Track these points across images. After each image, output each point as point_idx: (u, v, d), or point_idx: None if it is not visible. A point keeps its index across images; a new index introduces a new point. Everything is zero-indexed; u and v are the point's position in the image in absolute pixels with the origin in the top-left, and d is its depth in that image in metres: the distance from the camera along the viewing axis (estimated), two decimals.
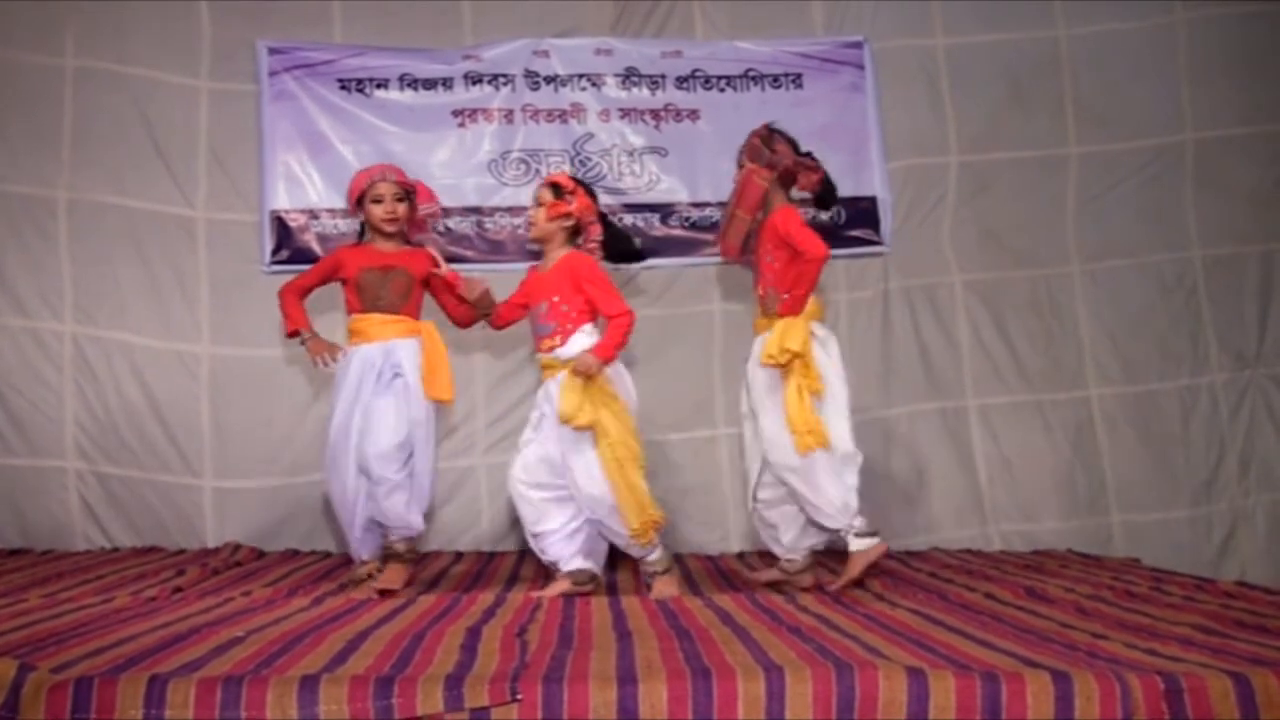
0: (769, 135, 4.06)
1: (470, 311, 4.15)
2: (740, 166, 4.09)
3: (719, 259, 5.36)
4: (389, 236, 4.10)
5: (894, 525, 5.26)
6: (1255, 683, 2.30)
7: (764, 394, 3.98)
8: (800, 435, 3.81)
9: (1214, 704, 2.27)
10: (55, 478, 5.12)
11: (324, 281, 4.16)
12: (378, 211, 4.06)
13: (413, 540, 4.05)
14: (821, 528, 3.99)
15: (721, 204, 5.39)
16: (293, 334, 4.12)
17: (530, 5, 5.48)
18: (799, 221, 3.95)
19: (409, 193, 4.12)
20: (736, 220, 4.05)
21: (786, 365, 3.85)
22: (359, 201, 4.10)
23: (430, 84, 5.38)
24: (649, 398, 5.29)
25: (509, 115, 5.40)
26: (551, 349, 3.89)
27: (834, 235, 5.44)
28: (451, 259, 5.19)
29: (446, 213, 5.27)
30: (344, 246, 4.25)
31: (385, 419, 3.92)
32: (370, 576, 3.97)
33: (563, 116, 5.43)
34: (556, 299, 3.90)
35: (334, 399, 4.03)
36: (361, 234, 4.24)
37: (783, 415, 3.87)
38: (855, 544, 3.86)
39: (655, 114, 5.46)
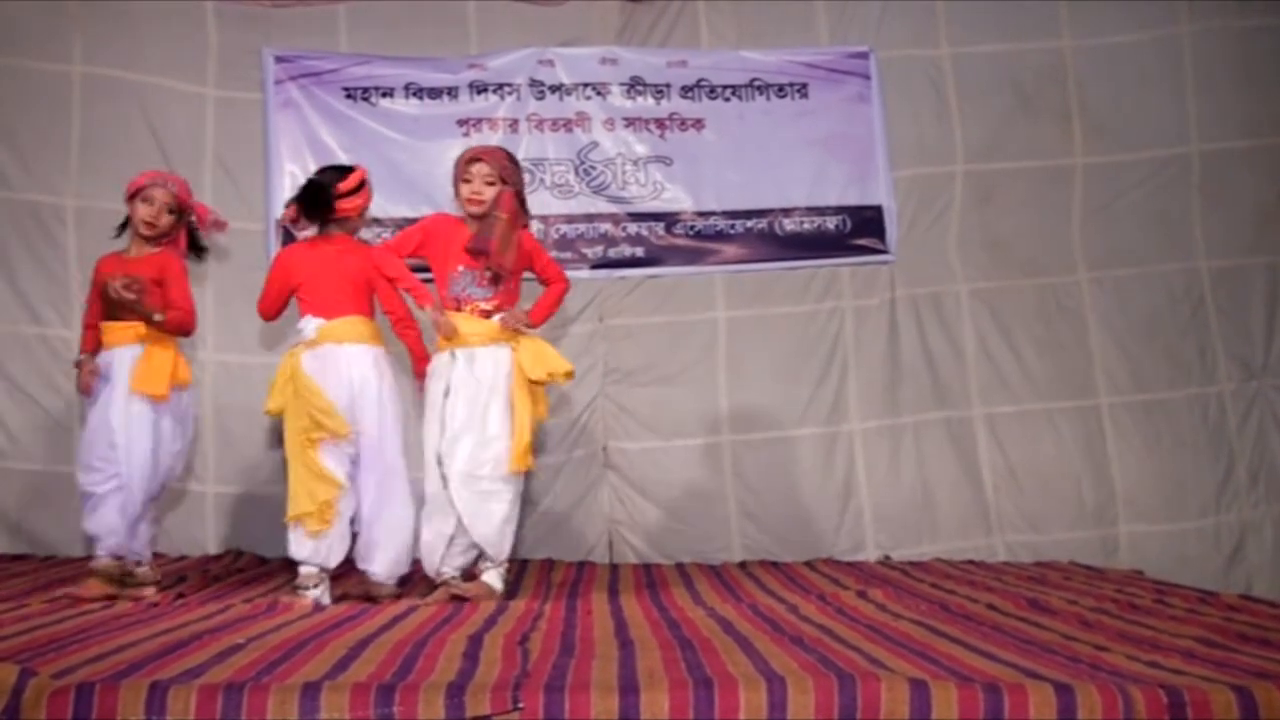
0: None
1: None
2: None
3: (724, 268, 5.40)
4: (146, 241, 4.07)
5: (898, 535, 5.27)
6: (1258, 696, 2.29)
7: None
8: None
9: (1216, 717, 2.26)
10: (61, 484, 5.11)
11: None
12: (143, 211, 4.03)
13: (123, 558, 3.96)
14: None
15: (726, 213, 5.44)
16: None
17: (535, 14, 5.50)
18: None
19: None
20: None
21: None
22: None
23: (435, 93, 5.39)
24: (653, 405, 5.32)
25: (514, 124, 5.41)
26: None
27: (840, 244, 5.46)
28: None
29: None
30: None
31: (89, 430, 3.94)
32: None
33: (567, 126, 5.44)
34: None
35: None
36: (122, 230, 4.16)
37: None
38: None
39: (660, 123, 5.47)
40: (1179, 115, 5.59)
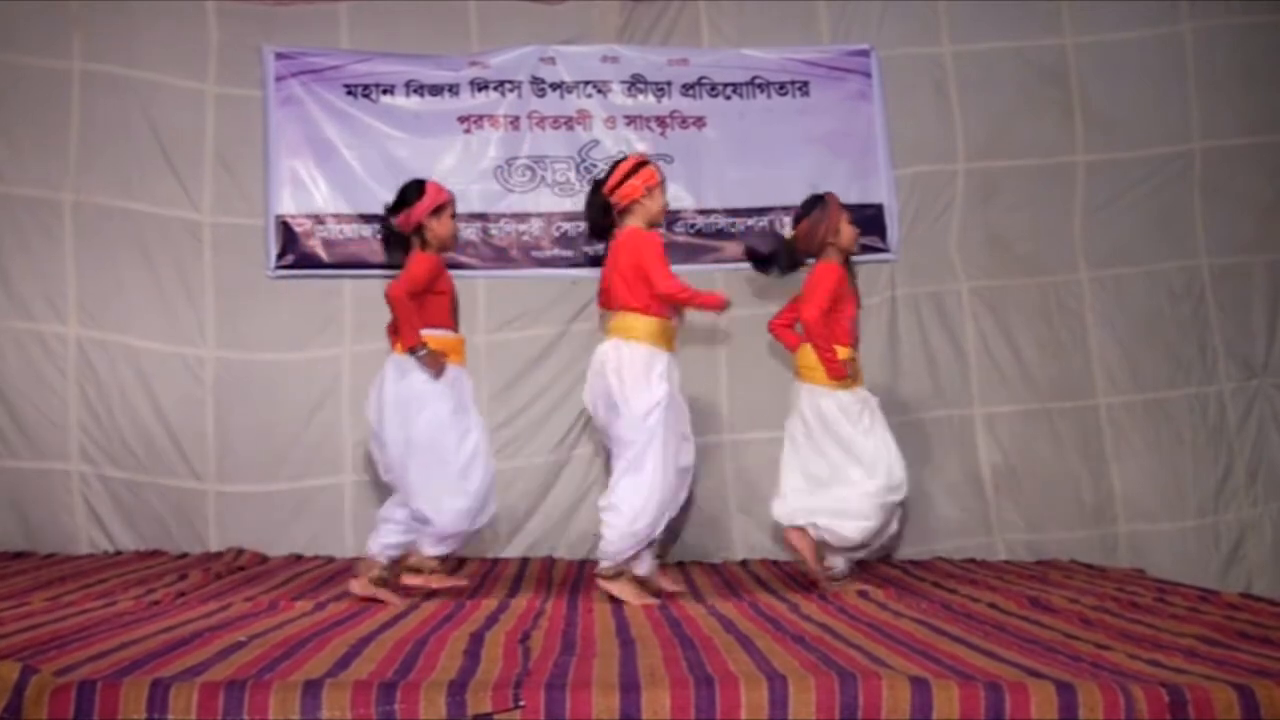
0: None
1: None
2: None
3: (725, 266, 5.39)
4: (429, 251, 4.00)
5: (899, 534, 5.26)
6: (1259, 694, 2.29)
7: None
8: None
9: (1218, 715, 2.26)
10: (59, 481, 5.13)
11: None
12: (452, 226, 4.02)
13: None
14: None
15: (728, 211, 5.43)
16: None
17: (537, 12, 5.49)
18: None
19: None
20: None
21: None
22: (434, 211, 3.94)
23: (436, 90, 5.39)
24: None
25: (515, 122, 5.41)
26: None
27: None
28: (456, 265, 5.23)
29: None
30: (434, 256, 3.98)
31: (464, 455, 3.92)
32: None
33: (569, 123, 5.43)
34: None
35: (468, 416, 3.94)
36: (404, 246, 4.01)
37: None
38: None
39: (661, 121, 5.47)
40: (1180, 112, 5.58)
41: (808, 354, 4.19)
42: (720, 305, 3.98)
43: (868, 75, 5.52)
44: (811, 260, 4.30)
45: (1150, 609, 3.50)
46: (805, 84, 5.50)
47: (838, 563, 4.23)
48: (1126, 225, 5.53)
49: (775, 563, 5.05)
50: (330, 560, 5.00)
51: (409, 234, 3.96)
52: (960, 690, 2.28)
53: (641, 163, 4.01)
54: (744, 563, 5.11)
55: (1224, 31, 5.61)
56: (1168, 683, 2.33)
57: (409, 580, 3.86)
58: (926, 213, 5.52)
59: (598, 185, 4.05)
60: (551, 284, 5.37)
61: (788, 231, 4.24)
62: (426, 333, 3.83)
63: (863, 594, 3.92)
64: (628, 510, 3.76)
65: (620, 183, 3.96)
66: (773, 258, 4.25)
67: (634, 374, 3.82)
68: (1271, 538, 5.40)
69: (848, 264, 4.32)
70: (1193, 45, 5.60)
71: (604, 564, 3.83)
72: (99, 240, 5.21)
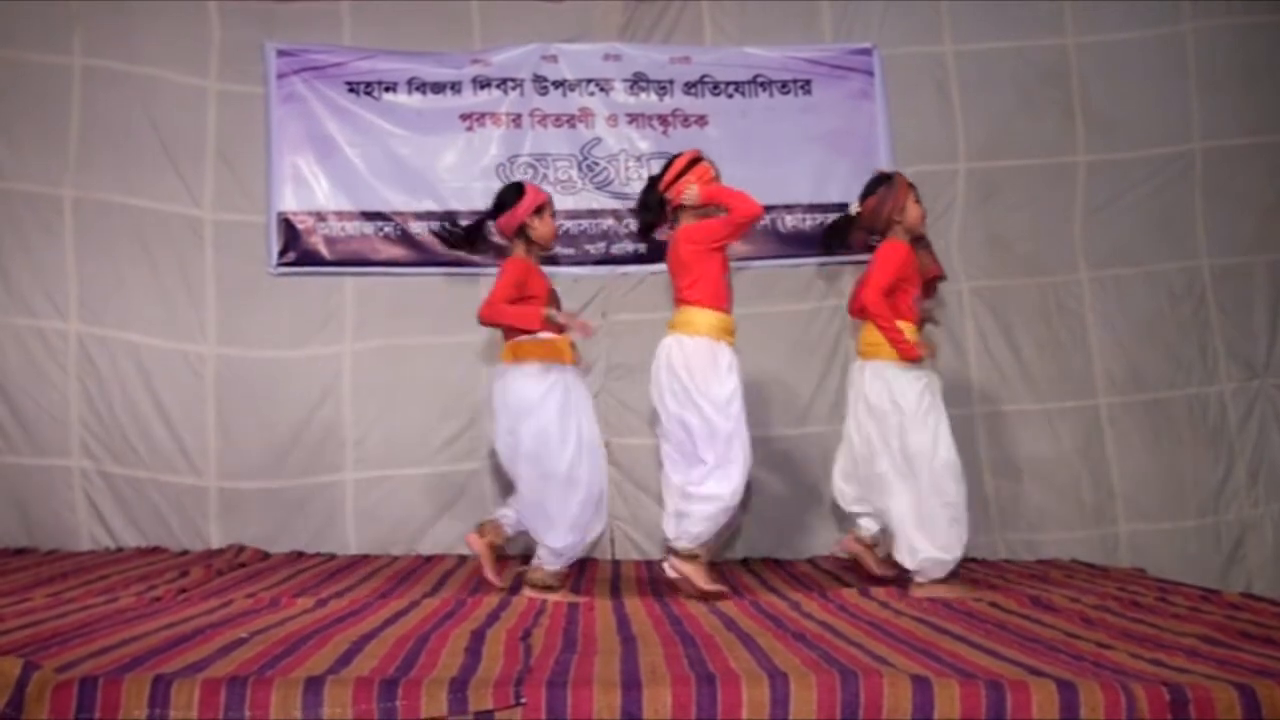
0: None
1: None
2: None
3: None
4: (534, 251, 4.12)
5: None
6: (1261, 694, 2.30)
7: None
8: None
9: (1219, 715, 2.26)
10: (60, 477, 5.12)
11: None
12: (553, 225, 4.13)
13: None
14: None
15: None
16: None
17: (539, 10, 5.49)
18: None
19: None
20: None
21: None
22: (536, 211, 4.03)
23: (438, 88, 5.38)
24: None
25: (517, 120, 5.41)
26: None
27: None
28: (457, 262, 5.25)
29: (452, 216, 5.28)
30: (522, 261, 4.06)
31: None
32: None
33: (570, 121, 5.43)
34: None
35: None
36: (470, 243, 4.18)
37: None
38: None
39: (663, 119, 5.47)
40: (1182, 112, 5.58)
41: (872, 331, 4.17)
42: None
43: (870, 74, 5.51)
44: (877, 239, 4.31)
45: (1152, 608, 3.50)
46: (807, 83, 5.50)
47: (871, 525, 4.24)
48: (1127, 225, 5.52)
49: (777, 561, 5.05)
50: (331, 557, 5.01)
51: (511, 236, 4.06)
52: (961, 689, 2.28)
53: (696, 159, 4.07)
54: (745, 561, 5.11)
55: (1225, 32, 5.60)
56: (1169, 682, 2.33)
57: (531, 594, 3.84)
58: (927, 212, 5.49)
59: (653, 182, 4.11)
60: (554, 281, 5.35)
61: (854, 208, 4.24)
62: (527, 338, 3.91)
63: (864, 592, 3.91)
64: (721, 495, 3.87)
65: (676, 179, 4.01)
66: (833, 230, 4.35)
67: (702, 366, 3.92)
68: (1272, 538, 5.40)
69: (917, 244, 4.32)
70: (1194, 45, 5.59)
71: (682, 543, 3.89)
72: (100, 236, 5.21)
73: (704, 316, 3.96)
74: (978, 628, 3.11)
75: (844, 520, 5.27)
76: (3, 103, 5.20)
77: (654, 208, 4.11)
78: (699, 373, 3.90)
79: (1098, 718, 2.24)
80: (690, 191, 4.01)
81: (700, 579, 3.88)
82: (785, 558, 5.13)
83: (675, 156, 4.15)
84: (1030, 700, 2.26)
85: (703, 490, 3.89)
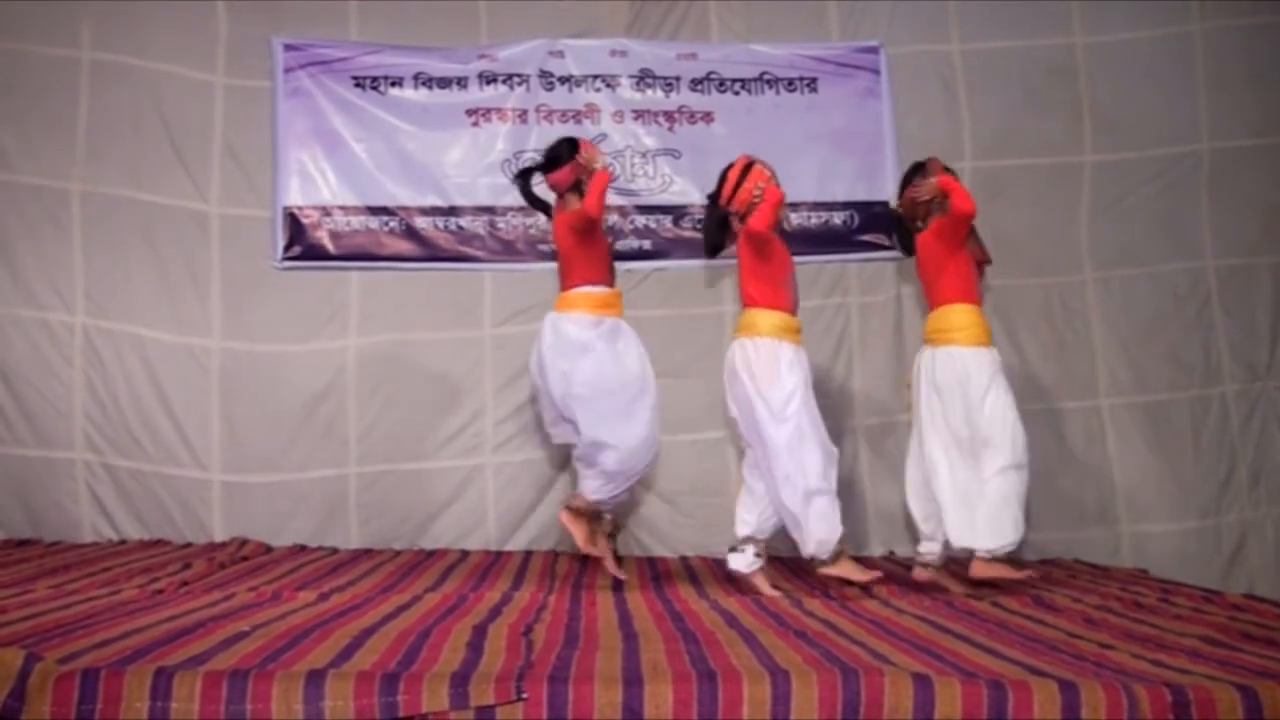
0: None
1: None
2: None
3: (732, 261, 5.38)
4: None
5: (901, 531, 5.26)
6: (1262, 696, 2.29)
7: None
8: None
9: (1221, 716, 2.26)
10: (64, 469, 5.13)
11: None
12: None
13: None
14: None
15: None
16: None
17: (546, 6, 5.49)
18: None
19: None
20: None
21: None
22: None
23: (445, 83, 5.38)
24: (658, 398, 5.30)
25: (523, 115, 5.40)
26: None
27: (847, 240, 5.45)
28: (462, 258, 5.24)
29: (457, 212, 5.29)
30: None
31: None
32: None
33: (576, 117, 5.43)
34: None
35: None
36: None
37: None
38: None
39: (669, 116, 5.46)
40: (1189, 113, 5.56)
41: (938, 318, 4.18)
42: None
43: (876, 72, 5.51)
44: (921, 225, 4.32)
45: (1154, 609, 3.49)
46: (814, 80, 5.50)
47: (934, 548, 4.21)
48: (1133, 226, 5.51)
49: (779, 559, 5.04)
50: (334, 551, 5.01)
51: (565, 190, 4.21)
52: (963, 688, 2.28)
53: (749, 165, 4.09)
54: None
55: (1233, 33, 5.59)
56: (1171, 683, 2.33)
57: (588, 548, 4.04)
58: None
59: (713, 200, 4.15)
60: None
61: (893, 202, 4.26)
62: (584, 289, 4.13)
63: (865, 590, 3.91)
64: (816, 508, 3.88)
65: (735, 189, 4.06)
66: (900, 231, 4.43)
67: (763, 367, 3.93)
68: (1274, 540, 5.39)
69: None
70: (1202, 46, 5.58)
71: (819, 556, 3.92)
72: (106, 230, 5.22)
73: (767, 318, 4.03)
74: (979, 627, 3.11)
75: (848, 516, 5.29)
76: (11, 96, 5.20)
77: (719, 226, 4.17)
78: (760, 375, 3.95)
79: (1099, 718, 2.24)
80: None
81: (855, 573, 3.92)
82: (787, 555, 5.12)
83: (726, 170, 4.15)
84: (1032, 700, 2.26)
85: (801, 512, 3.89)
